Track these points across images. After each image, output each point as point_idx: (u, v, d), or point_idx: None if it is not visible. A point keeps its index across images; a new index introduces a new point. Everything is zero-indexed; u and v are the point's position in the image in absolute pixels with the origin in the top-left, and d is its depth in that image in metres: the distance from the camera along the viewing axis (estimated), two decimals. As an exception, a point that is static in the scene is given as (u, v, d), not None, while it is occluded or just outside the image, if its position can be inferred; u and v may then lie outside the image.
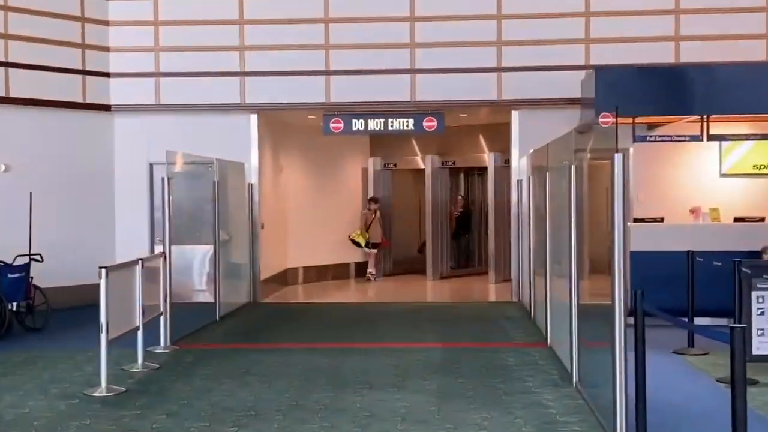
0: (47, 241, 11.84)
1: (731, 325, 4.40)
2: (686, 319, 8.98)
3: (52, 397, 7.45)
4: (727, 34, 13.26)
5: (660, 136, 12.27)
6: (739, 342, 4.32)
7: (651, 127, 12.53)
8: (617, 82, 11.87)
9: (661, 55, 13.26)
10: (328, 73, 13.84)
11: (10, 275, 10.69)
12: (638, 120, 11.80)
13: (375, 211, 17.17)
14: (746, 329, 5.08)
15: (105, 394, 7.49)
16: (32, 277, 11.00)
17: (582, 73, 13.10)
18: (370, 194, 17.53)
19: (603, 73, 12.13)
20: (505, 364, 8.67)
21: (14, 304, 10.76)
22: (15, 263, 10.88)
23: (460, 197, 18.34)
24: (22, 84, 12.96)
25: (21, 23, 12.98)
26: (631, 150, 12.77)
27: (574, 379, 7.61)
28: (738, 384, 4.34)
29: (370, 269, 17.20)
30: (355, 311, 12.93)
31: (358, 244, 17.08)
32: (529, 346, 9.69)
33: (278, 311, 13.02)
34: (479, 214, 18.48)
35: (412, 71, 13.79)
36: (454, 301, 14.12)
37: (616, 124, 5.89)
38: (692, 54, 13.20)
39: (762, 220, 11.48)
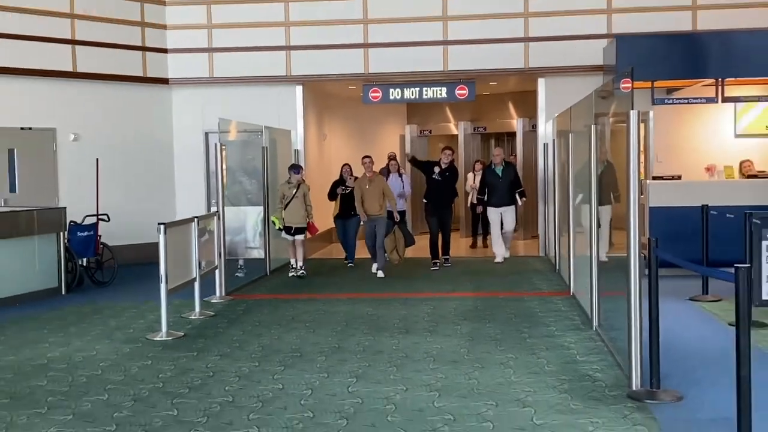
0: (113, 204, 12.03)
1: (736, 265, 4.31)
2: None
3: (117, 342, 7.61)
4: (741, 2, 12.91)
5: (678, 98, 12.10)
6: (743, 281, 4.26)
7: (669, 91, 12.35)
8: (637, 50, 11.70)
9: (679, 23, 12.97)
10: (366, 45, 13.76)
11: (79, 233, 10.89)
12: (657, 84, 11.66)
13: (297, 184, 11.67)
14: (754, 274, 4.98)
15: (165, 338, 7.64)
16: (100, 236, 11.17)
17: (604, 42, 12.91)
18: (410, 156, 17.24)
19: (624, 41, 11.96)
20: (531, 311, 8.67)
21: (84, 259, 10.98)
22: (84, 223, 11.07)
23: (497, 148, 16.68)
24: (88, 60, 13.09)
25: (87, 3, 13.06)
26: (651, 113, 12.61)
27: (594, 324, 7.60)
28: (742, 322, 4.28)
29: (294, 262, 11.85)
30: (396, 266, 12.94)
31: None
32: (553, 295, 9.67)
33: (323, 266, 13.09)
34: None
35: (445, 43, 13.66)
36: (486, 257, 14.07)
37: (632, 86, 5.80)
38: (708, 21, 12.90)
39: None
